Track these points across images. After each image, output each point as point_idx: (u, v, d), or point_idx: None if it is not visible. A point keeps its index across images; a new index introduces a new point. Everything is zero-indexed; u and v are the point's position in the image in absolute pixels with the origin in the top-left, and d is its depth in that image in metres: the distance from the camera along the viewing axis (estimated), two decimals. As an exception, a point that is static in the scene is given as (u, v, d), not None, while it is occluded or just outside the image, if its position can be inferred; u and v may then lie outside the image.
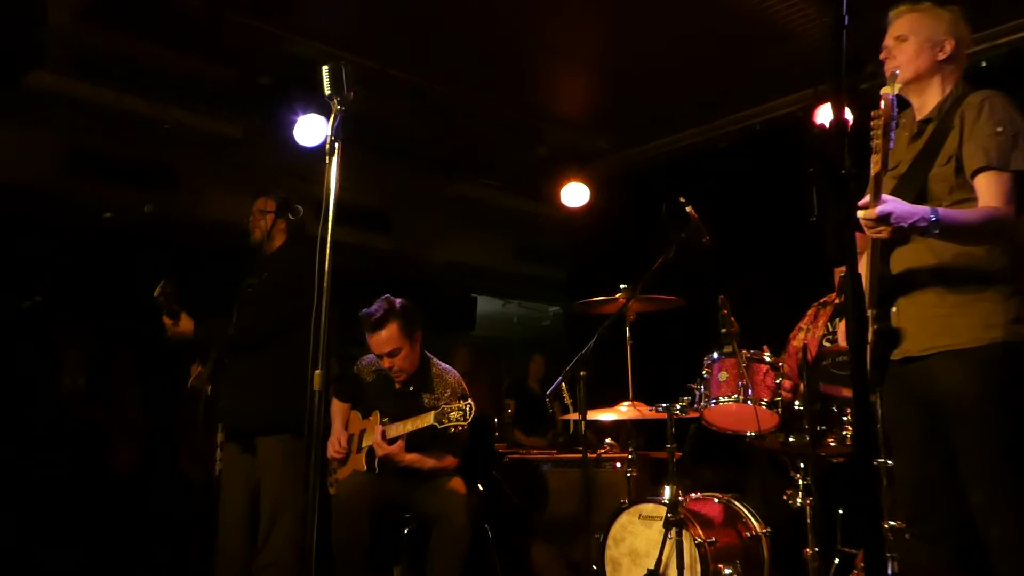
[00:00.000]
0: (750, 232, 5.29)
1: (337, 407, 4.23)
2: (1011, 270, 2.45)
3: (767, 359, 3.54)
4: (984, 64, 4.67)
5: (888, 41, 2.66)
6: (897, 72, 2.41)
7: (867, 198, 2.33)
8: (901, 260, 2.57)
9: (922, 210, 2.34)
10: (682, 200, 3.72)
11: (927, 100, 2.64)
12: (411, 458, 3.84)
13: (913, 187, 2.55)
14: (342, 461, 4.11)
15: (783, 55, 4.89)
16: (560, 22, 4.75)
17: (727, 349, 3.56)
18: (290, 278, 3.78)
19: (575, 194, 6.52)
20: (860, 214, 2.33)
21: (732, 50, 4.97)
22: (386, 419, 3.94)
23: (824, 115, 4.82)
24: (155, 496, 5.55)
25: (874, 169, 2.27)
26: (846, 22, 1.78)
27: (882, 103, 2.23)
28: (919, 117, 2.66)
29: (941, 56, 2.60)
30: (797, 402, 3.43)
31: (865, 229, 2.37)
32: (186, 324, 4.01)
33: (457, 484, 3.93)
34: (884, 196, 2.33)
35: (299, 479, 3.59)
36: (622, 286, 4.03)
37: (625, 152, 6.63)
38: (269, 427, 3.82)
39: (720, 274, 4.48)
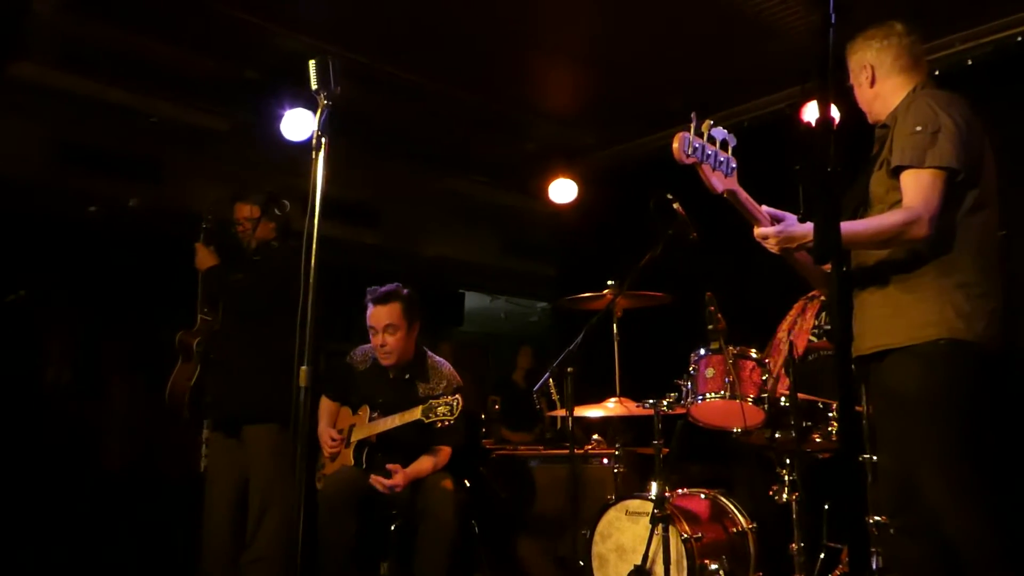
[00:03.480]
0: (737, 229, 5.29)
1: (326, 406, 4.22)
2: (952, 266, 2.49)
3: (753, 356, 3.55)
4: (970, 63, 4.69)
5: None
6: (695, 112, 2.49)
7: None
8: (854, 263, 2.67)
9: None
10: (670, 197, 3.73)
11: (881, 116, 2.76)
12: (413, 473, 3.86)
13: (859, 191, 2.67)
14: (332, 457, 4.10)
15: (771, 52, 4.90)
16: (549, 17, 4.74)
17: (714, 346, 3.58)
18: (277, 273, 3.77)
19: (563, 190, 6.52)
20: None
21: (720, 47, 4.97)
22: (375, 413, 3.95)
23: (811, 113, 4.84)
24: (142, 491, 5.53)
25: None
26: (833, 20, 1.79)
27: (675, 142, 2.33)
28: (879, 124, 2.76)
29: (868, 83, 2.75)
30: (783, 398, 3.45)
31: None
32: (208, 256, 4.12)
33: (445, 480, 3.93)
34: (779, 214, 2.50)
35: (288, 473, 3.59)
36: (610, 282, 4.04)
37: (613, 148, 6.63)
38: (257, 416, 3.82)
39: (707, 271, 4.50)
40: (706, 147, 2.33)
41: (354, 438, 4.02)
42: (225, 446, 4.02)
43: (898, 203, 2.51)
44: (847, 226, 2.43)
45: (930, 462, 2.46)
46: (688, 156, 2.29)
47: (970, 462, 2.44)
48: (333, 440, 4.05)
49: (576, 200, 6.54)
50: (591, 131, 6.44)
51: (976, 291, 2.49)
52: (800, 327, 3.97)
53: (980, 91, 4.59)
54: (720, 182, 2.36)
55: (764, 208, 2.52)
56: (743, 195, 2.43)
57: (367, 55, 5.11)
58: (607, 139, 6.54)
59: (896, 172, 2.51)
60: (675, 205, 3.74)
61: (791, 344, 3.39)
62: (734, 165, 2.39)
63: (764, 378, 3.50)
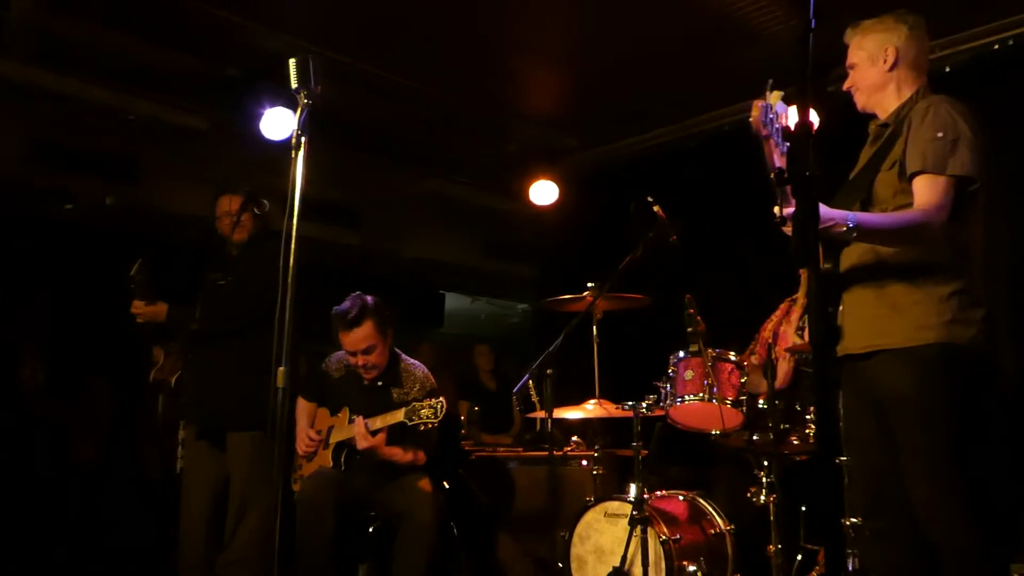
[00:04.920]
0: (717, 232, 5.33)
1: (303, 406, 4.20)
2: (949, 272, 2.49)
3: (732, 358, 3.57)
4: (948, 69, 4.74)
5: (847, 69, 2.76)
6: (771, 80, 2.42)
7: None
8: (847, 258, 2.63)
9: (838, 214, 2.37)
10: (650, 199, 3.74)
11: (886, 108, 2.71)
12: (389, 451, 3.84)
13: (861, 188, 2.62)
14: (308, 457, 4.08)
15: (752, 56, 4.92)
16: (531, 19, 4.75)
17: (693, 348, 3.59)
18: (257, 274, 3.75)
19: (544, 192, 6.52)
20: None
21: (701, 50, 4.99)
22: (355, 416, 3.92)
23: (791, 117, 4.87)
24: (116, 492, 5.48)
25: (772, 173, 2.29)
26: (813, 25, 1.80)
27: (754, 111, 2.25)
28: (879, 122, 2.73)
29: (886, 66, 2.68)
30: (761, 400, 3.47)
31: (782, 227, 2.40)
32: (159, 307, 3.97)
33: (423, 482, 3.92)
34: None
35: (268, 476, 3.57)
36: (590, 284, 4.04)
37: (594, 150, 6.64)
38: (241, 423, 3.79)
39: (687, 273, 4.52)
40: (775, 121, 2.27)
41: (333, 440, 4.00)
42: (201, 447, 3.98)
43: (905, 207, 2.50)
44: (870, 218, 2.44)
45: (922, 466, 2.46)
46: (764, 128, 2.22)
47: (962, 468, 2.44)
48: (311, 440, 4.03)
49: (557, 202, 6.56)
50: (572, 133, 6.46)
51: (971, 298, 2.49)
52: (784, 328, 4.01)
53: (958, 98, 4.67)
54: (778, 160, 2.27)
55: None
56: (779, 180, 2.32)
57: (348, 55, 5.09)
58: (588, 141, 6.56)
59: (911, 176, 2.49)
60: (655, 208, 3.75)
61: (771, 345, 3.42)
62: (787, 145, 2.31)
63: (743, 380, 3.52)
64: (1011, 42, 4.63)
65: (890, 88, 2.69)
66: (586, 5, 4.58)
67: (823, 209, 2.35)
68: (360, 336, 3.88)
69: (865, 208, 2.58)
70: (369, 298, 3.96)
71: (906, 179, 2.51)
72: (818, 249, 1.79)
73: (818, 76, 1.95)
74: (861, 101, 2.77)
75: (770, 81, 2.30)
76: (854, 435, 2.67)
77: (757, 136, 2.21)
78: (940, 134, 2.47)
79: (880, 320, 2.53)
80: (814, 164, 1.73)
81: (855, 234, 2.38)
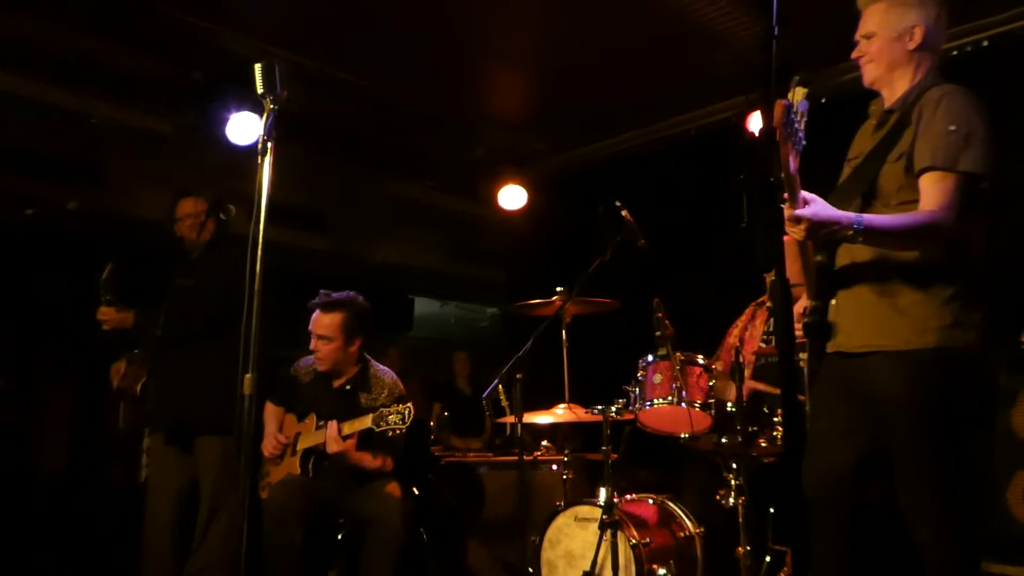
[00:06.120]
0: (685, 236, 5.37)
1: (271, 410, 4.18)
2: (951, 273, 2.41)
3: (700, 361, 3.59)
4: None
5: (858, 37, 2.60)
6: (797, 77, 2.23)
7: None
8: (845, 254, 2.54)
9: (845, 216, 2.29)
10: (618, 204, 3.76)
11: (895, 90, 2.58)
12: (358, 456, 3.84)
13: (864, 180, 2.51)
14: (275, 462, 4.05)
15: (717, 62, 4.97)
16: (497, 22, 4.75)
17: (661, 352, 3.60)
18: (221, 278, 3.71)
19: (512, 196, 6.54)
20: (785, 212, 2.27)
21: (668, 55, 5.03)
22: (322, 422, 3.90)
23: (755, 123, 4.92)
24: (81, 501, 5.39)
25: (782, 173, 2.16)
26: (776, 32, 1.81)
27: (776, 111, 2.06)
28: (886, 106, 2.60)
29: (912, 45, 2.53)
30: (729, 404, 3.49)
31: (787, 228, 2.31)
32: (125, 314, 3.93)
33: (392, 487, 3.91)
34: (808, 196, 2.26)
35: (237, 482, 3.54)
36: (558, 288, 4.05)
37: (562, 155, 6.66)
38: (211, 428, 3.75)
39: (655, 277, 4.54)
40: (795, 121, 2.09)
41: (301, 446, 3.98)
42: (167, 454, 3.94)
43: (909, 203, 2.41)
44: (877, 220, 2.33)
45: (915, 469, 2.42)
46: (784, 129, 2.03)
47: (953, 472, 2.41)
48: (279, 443, 4.00)
49: (526, 206, 6.57)
50: (540, 137, 6.47)
51: (972, 300, 2.42)
52: (750, 333, 4.03)
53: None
54: (793, 163, 2.12)
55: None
56: (798, 177, 2.21)
57: (314, 58, 5.06)
58: (556, 145, 6.58)
59: (920, 172, 2.38)
60: (623, 212, 3.77)
61: (738, 350, 3.44)
62: (804, 143, 2.16)
63: (711, 384, 3.54)
64: (986, 43, 4.70)
65: (907, 69, 2.54)
66: (554, 10, 4.59)
67: (831, 210, 2.28)
68: (326, 321, 3.94)
69: (867, 202, 2.47)
70: (360, 299, 4.02)
71: (913, 174, 2.40)
72: (782, 254, 1.79)
73: (781, 82, 1.94)
74: (872, 74, 2.58)
75: (796, 77, 2.14)
76: (826, 431, 2.59)
77: (770, 138, 2.03)
78: (953, 127, 2.35)
79: (880, 319, 2.44)
80: (777, 170, 1.74)
81: (861, 238, 2.30)
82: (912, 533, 2.42)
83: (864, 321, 2.48)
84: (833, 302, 2.54)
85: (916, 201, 2.40)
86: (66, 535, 5.17)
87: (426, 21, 4.70)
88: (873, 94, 2.67)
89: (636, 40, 4.89)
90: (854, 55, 2.61)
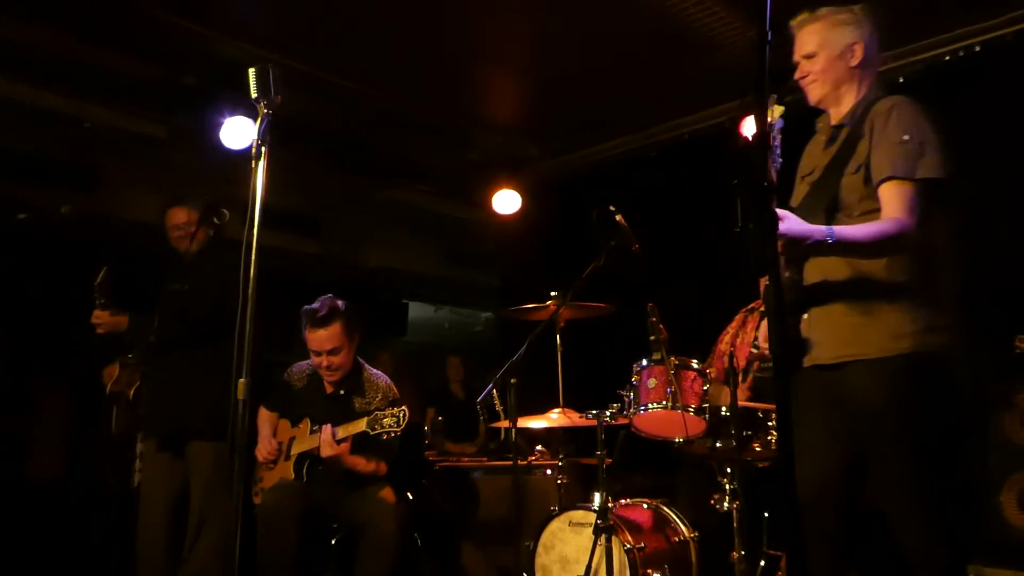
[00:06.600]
0: (679, 240, 5.37)
1: (265, 415, 4.16)
2: (921, 280, 2.45)
3: (694, 366, 3.59)
4: (901, 80, 4.83)
5: (798, 58, 2.65)
6: (775, 96, 2.27)
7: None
8: (815, 269, 2.57)
9: (817, 230, 2.32)
10: (612, 208, 3.76)
11: (843, 106, 2.64)
12: (352, 460, 3.82)
13: (826, 194, 2.54)
14: (269, 467, 4.04)
15: (711, 66, 4.98)
16: (492, 27, 4.76)
17: (656, 356, 3.60)
18: (215, 283, 3.71)
19: (507, 201, 6.54)
20: None
21: (662, 60, 5.04)
22: (316, 427, 3.89)
23: (749, 128, 4.93)
24: (74, 506, 5.37)
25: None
26: (769, 37, 1.82)
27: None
28: (833, 122, 2.66)
29: (854, 62, 2.60)
30: (724, 408, 3.49)
31: None
32: (119, 318, 3.91)
33: (386, 492, 3.90)
34: (781, 212, 2.25)
35: (229, 488, 3.54)
36: (553, 293, 4.05)
37: (556, 159, 6.67)
38: (205, 433, 3.75)
39: (649, 282, 4.54)
40: (775, 136, 2.16)
41: (294, 451, 3.97)
42: (160, 460, 3.93)
43: (871, 212, 2.45)
44: (847, 231, 2.37)
45: (897, 476, 2.43)
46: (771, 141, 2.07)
47: (934, 477, 2.43)
48: (272, 447, 3.99)
49: (520, 211, 6.57)
50: (534, 142, 6.48)
51: (941, 304, 2.46)
52: (741, 339, 4.03)
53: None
54: (772, 178, 2.10)
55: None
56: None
57: (308, 63, 5.06)
58: (550, 150, 6.59)
59: (880, 182, 2.43)
60: (617, 217, 3.77)
61: (731, 355, 3.44)
62: (781, 160, 2.22)
63: (705, 388, 3.54)
64: (961, 53, 4.74)
65: (851, 85, 2.61)
66: (547, 15, 4.60)
67: (804, 225, 2.31)
68: (326, 336, 3.89)
69: (831, 215, 2.50)
70: (339, 302, 3.97)
71: (873, 185, 2.46)
72: (776, 259, 1.79)
73: (775, 87, 1.95)
74: (819, 93, 2.64)
75: (773, 96, 2.18)
76: (808, 442, 2.56)
77: (764, 143, 2.01)
78: (907, 137, 2.41)
79: (853, 329, 2.47)
80: (772, 175, 1.74)
81: (834, 250, 2.34)
82: (898, 538, 2.43)
83: (838, 333, 2.50)
84: (805, 317, 2.56)
85: (878, 210, 2.45)
86: (59, 540, 5.15)
87: (420, 25, 4.71)
88: (818, 111, 2.73)
89: (630, 45, 4.90)
90: (797, 76, 2.66)
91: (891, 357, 2.42)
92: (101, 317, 3.90)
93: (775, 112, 2.16)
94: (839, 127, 2.63)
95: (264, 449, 4.02)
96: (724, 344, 4.09)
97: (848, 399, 2.51)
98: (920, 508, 2.42)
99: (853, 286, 2.48)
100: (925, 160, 2.41)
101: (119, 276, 3.99)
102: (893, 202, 2.40)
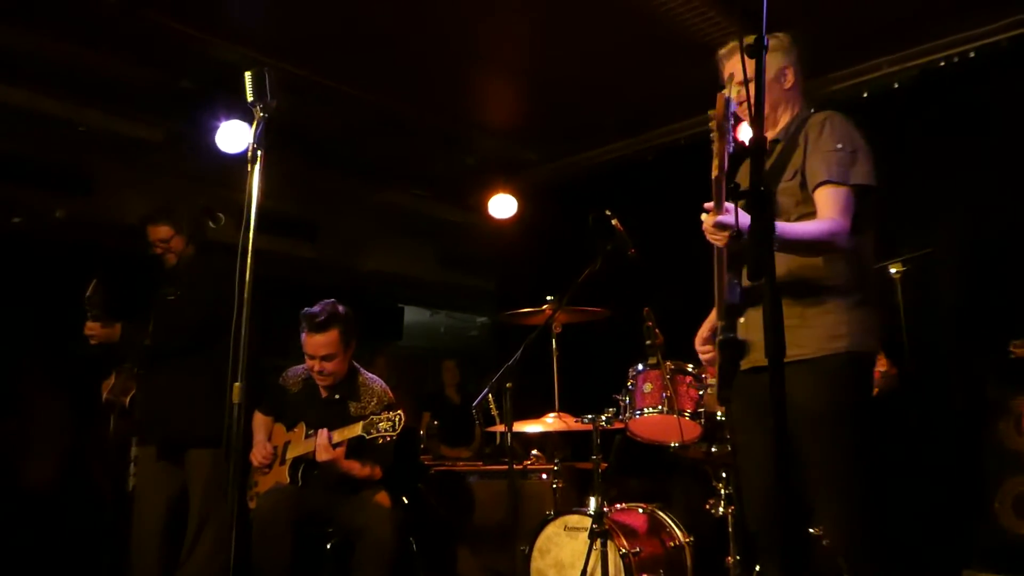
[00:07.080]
0: (675, 245, 5.36)
1: (260, 420, 4.16)
2: (854, 282, 2.55)
3: (690, 370, 3.60)
4: (896, 85, 4.85)
5: (738, 84, 2.66)
6: (733, 74, 2.45)
7: (711, 203, 2.32)
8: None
9: None
10: (608, 213, 3.77)
11: (778, 124, 2.77)
12: (347, 464, 3.81)
13: None
14: (264, 471, 4.03)
15: (707, 72, 4.97)
16: (489, 32, 4.76)
17: (651, 361, 3.61)
18: (208, 289, 3.70)
19: (503, 205, 6.54)
20: (703, 218, 2.36)
21: (658, 65, 5.05)
22: (311, 431, 3.89)
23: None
24: (70, 511, 5.35)
25: (714, 173, 2.24)
26: (766, 43, 1.83)
27: (718, 103, 2.23)
28: (771, 138, 2.75)
29: (787, 84, 2.75)
30: (719, 413, 3.49)
31: (706, 234, 2.40)
32: (111, 329, 3.90)
33: (382, 497, 3.89)
34: (727, 205, 2.32)
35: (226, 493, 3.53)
36: (549, 297, 4.05)
37: (553, 164, 6.68)
38: (201, 440, 3.73)
39: (645, 286, 4.55)
40: (731, 119, 2.25)
41: (290, 455, 3.96)
42: (156, 465, 3.92)
43: (807, 215, 2.54)
44: (790, 227, 2.44)
45: (832, 476, 2.47)
46: (727, 121, 2.19)
47: (867, 476, 2.50)
48: (268, 452, 3.99)
49: (516, 215, 6.57)
50: (531, 146, 6.48)
51: (872, 305, 2.57)
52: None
53: (907, 113, 4.78)
54: (726, 161, 2.23)
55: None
56: (723, 181, 2.30)
57: (305, 67, 5.06)
58: (547, 154, 6.59)
59: (816, 186, 2.53)
60: (613, 221, 3.77)
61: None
62: (733, 145, 2.29)
63: (701, 393, 3.55)
64: (956, 59, 4.75)
65: (786, 106, 2.76)
66: (544, 20, 4.61)
67: (748, 217, 2.26)
68: (323, 342, 3.87)
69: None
70: (341, 307, 3.95)
71: (808, 189, 2.56)
72: (771, 263, 1.80)
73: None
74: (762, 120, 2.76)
75: (731, 74, 2.33)
76: (750, 448, 2.65)
77: (716, 131, 2.19)
78: (840, 145, 2.53)
79: (790, 331, 2.37)
80: (766, 179, 1.75)
81: (776, 245, 2.31)
82: (832, 538, 2.45)
83: None
84: (742, 320, 2.58)
85: (813, 213, 2.54)
86: (55, 545, 5.13)
87: (416, 30, 4.71)
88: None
89: (626, 49, 4.91)
90: (736, 100, 2.69)
91: (828, 356, 2.50)
92: (93, 328, 3.89)
93: (734, 90, 2.26)
94: (776, 141, 2.74)
95: (259, 454, 4.01)
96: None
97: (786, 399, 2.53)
98: (852, 505, 2.47)
99: (789, 289, 2.55)
100: (857, 168, 2.53)
101: (111, 285, 3.97)
102: (828, 204, 2.50)
